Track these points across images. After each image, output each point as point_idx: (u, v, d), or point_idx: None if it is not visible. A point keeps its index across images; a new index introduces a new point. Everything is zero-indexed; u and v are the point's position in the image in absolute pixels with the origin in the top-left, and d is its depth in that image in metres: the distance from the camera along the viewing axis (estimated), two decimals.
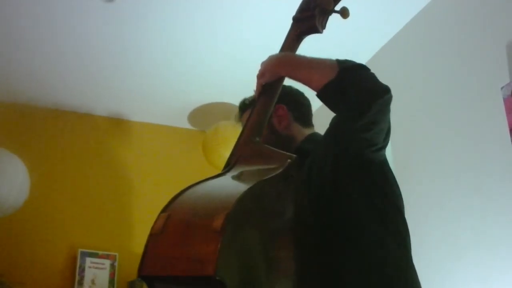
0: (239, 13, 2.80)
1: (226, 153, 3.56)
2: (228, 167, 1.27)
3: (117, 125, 3.77)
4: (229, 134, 3.21)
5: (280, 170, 1.17)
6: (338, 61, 1.31)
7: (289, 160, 1.20)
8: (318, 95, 1.31)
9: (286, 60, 1.43)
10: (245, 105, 1.65)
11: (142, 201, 3.59)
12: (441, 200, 2.42)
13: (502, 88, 2.15)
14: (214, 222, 0.97)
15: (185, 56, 3.14)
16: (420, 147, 2.62)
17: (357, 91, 1.24)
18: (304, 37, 1.51)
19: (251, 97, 1.64)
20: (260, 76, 1.45)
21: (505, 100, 2.13)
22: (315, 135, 1.58)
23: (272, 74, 1.43)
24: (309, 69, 1.35)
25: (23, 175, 3.22)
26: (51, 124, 3.61)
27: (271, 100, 1.43)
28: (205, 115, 3.68)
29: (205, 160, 3.45)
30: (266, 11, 2.75)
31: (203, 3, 2.74)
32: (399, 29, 2.89)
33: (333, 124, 1.35)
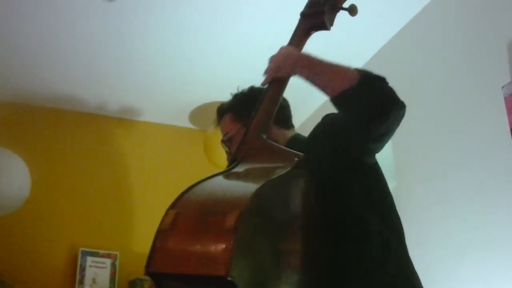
0: (240, 12, 2.80)
1: None
2: (235, 163, 1.26)
3: (118, 124, 3.77)
4: None
5: (288, 168, 1.16)
6: (358, 69, 1.30)
7: (296, 159, 1.20)
8: (334, 100, 1.29)
9: (307, 64, 1.37)
10: (223, 110, 1.64)
11: (143, 200, 3.59)
12: (441, 200, 2.42)
13: (503, 87, 2.15)
14: (227, 221, 0.96)
15: (186, 55, 3.14)
16: (420, 146, 2.62)
17: (377, 101, 1.24)
18: (313, 33, 1.49)
19: (228, 101, 1.65)
20: (275, 70, 1.39)
21: (506, 100, 2.13)
22: (297, 136, 1.57)
23: (290, 73, 1.38)
24: (329, 74, 1.32)
25: (24, 175, 3.23)
26: (52, 124, 3.61)
27: (279, 94, 1.40)
28: (206, 114, 3.68)
29: (206, 159, 3.46)
30: (267, 11, 2.75)
31: (203, 2, 2.74)
32: (399, 29, 2.89)
33: (340, 127, 1.33)
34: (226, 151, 1.64)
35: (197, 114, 3.75)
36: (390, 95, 1.27)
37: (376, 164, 1.40)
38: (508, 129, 2.10)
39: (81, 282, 3.29)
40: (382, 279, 1.25)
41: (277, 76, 1.39)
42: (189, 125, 3.87)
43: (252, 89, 1.62)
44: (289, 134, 1.57)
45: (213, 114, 3.93)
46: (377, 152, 1.36)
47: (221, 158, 3.26)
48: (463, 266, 2.22)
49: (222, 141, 1.63)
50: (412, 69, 2.78)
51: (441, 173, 2.46)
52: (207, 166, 3.33)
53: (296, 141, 1.52)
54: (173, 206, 1.04)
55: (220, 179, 1.17)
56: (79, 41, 3.01)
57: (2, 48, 3.05)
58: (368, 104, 1.24)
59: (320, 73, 1.34)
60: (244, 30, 2.92)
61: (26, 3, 2.72)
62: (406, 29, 2.86)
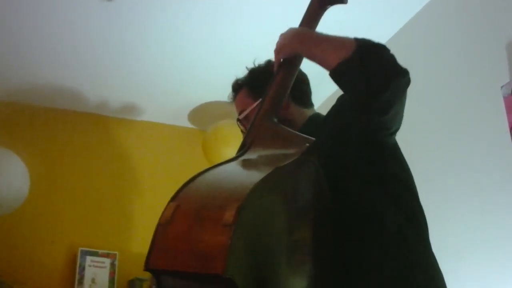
0: (239, 11, 2.80)
1: (226, 152, 3.60)
2: (243, 149, 1.20)
3: (117, 124, 3.77)
4: (229, 133, 3.21)
5: (298, 156, 1.09)
6: (356, 39, 1.22)
7: (307, 144, 1.13)
8: (332, 73, 1.21)
9: (303, 37, 1.31)
10: (238, 85, 1.57)
11: (142, 200, 3.59)
12: (440, 200, 2.42)
13: (502, 87, 2.15)
14: (225, 215, 0.91)
15: (185, 55, 3.13)
16: (419, 146, 2.62)
17: (375, 70, 1.16)
18: (328, 7, 1.41)
19: (244, 76, 1.58)
20: (277, 51, 1.33)
21: (505, 99, 2.13)
22: (316, 116, 1.48)
23: (289, 50, 1.32)
24: (325, 45, 1.24)
25: (23, 174, 3.23)
26: (51, 123, 3.61)
27: (290, 77, 1.33)
28: (205, 114, 3.68)
29: (205, 159, 3.45)
30: (266, 10, 2.75)
31: (203, 3, 2.74)
32: (399, 28, 2.89)
33: (343, 105, 1.25)
34: (241, 130, 1.54)
35: (196, 114, 3.75)
36: (388, 64, 1.19)
37: (394, 146, 1.32)
38: (507, 128, 2.10)
39: (80, 282, 3.29)
40: (399, 270, 1.19)
41: (281, 57, 1.33)
42: (188, 124, 3.87)
43: (269, 63, 1.52)
44: (307, 113, 1.47)
45: (213, 114, 3.94)
46: (392, 126, 1.27)
47: (220, 158, 3.26)
48: (463, 266, 2.22)
49: (238, 119, 1.54)
50: (411, 69, 2.76)
51: (440, 172, 2.46)
52: (206, 166, 3.33)
53: (313, 123, 1.43)
54: (174, 198, 1.00)
55: (224, 169, 1.12)
56: (79, 40, 3.01)
57: (1, 48, 3.05)
58: (365, 74, 1.15)
59: (314, 46, 1.26)
60: (244, 30, 2.91)
61: (25, 2, 2.72)
62: (405, 30, 2.86)
